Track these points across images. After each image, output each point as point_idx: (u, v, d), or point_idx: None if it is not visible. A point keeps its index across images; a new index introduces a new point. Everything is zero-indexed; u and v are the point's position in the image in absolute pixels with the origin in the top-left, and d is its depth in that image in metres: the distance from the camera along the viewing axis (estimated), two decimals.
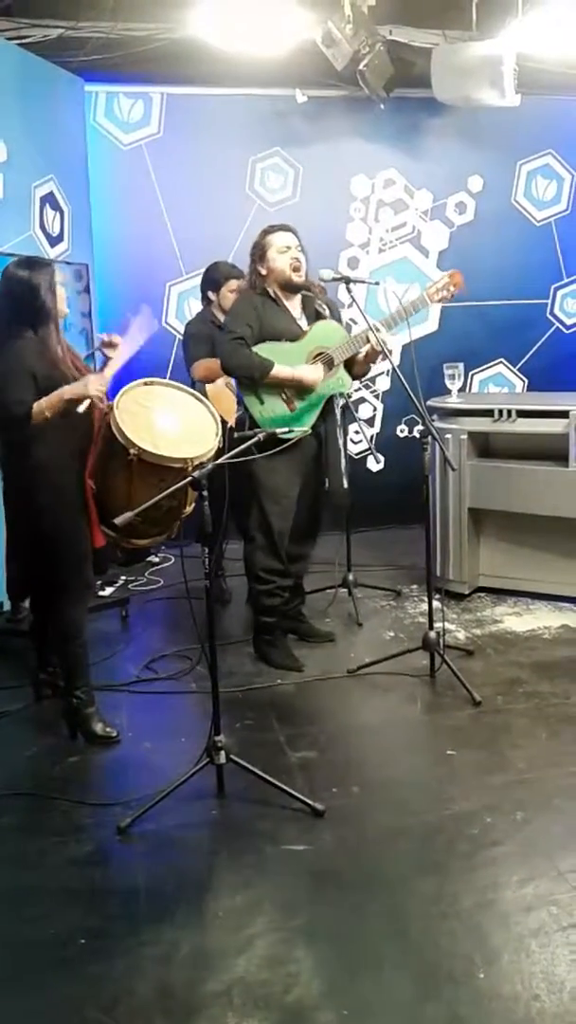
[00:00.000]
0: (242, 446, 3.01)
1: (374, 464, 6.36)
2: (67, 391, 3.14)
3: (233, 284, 4.56)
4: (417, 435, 6.29)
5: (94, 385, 3.16)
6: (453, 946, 2.26)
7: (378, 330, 3.78)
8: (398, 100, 5.64)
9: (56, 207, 5.23)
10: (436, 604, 3.94)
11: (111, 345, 3.49)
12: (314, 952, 2.25)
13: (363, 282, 4.11)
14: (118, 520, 2.76)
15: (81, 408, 3.14)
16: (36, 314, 3.21)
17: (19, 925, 2.41)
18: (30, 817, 2.92)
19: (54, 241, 5.20)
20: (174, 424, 3.34)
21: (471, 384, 6.38)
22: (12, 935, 2.38)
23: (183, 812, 2.86)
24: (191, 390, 3.60)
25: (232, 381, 4.21)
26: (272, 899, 2.46)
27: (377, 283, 4.13)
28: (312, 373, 3.82)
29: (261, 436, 3.11)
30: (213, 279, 4.72)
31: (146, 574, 5.48)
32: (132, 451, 3.14)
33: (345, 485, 3.91)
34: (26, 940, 2.35)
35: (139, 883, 2.55)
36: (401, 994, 2.13)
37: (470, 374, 6.33)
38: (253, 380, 3.79)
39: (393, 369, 3.71)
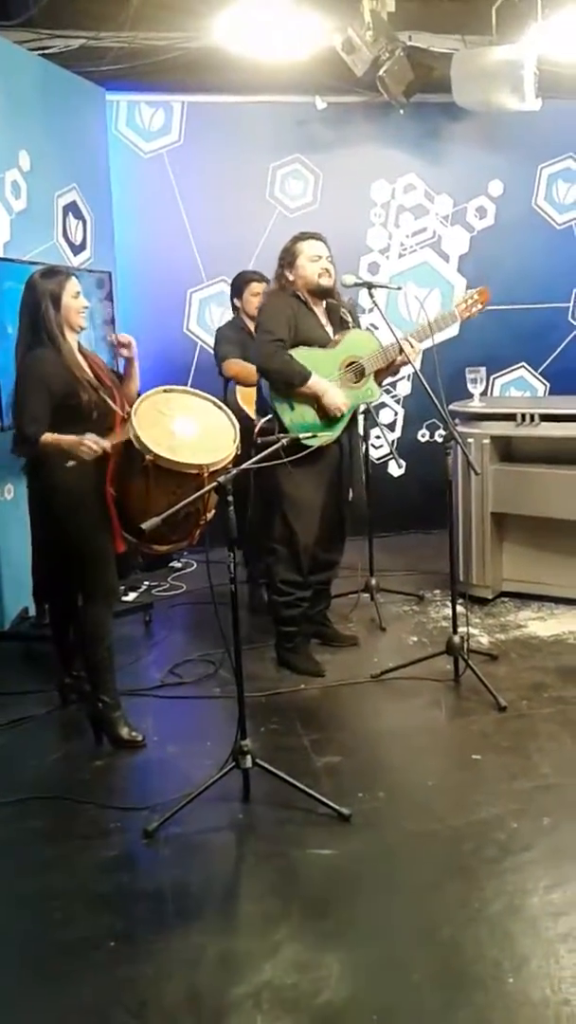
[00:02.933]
0: (267, 451, 3.02)
1: (395, 469, 6.35)
2: (64, 442, 3.17)
3: (255, 287, 4.59)
4: (438, 439, 6.34)
5: (87, 446, 3.14)
6: (481, 951, 2.26)
7: (411, 344, 3.78)
8: (418, 105, 5.65)
9: (79, 216, 5.27)
10: (460, 609, 3.93)
11: (124, 345, 3.49)
12: (342, 956, 2.25)
13: (385, 287, 4.11)
14: (145, 525, 2.77)
15: (68, 464, 3.16)
16: (43, 324, 3.25)
17: (47, 928, 2.43)
18: (56, 821, 2.94)
19: (77, 250, 5.25)
20: (192, 430, 3.36)
21: (492, 388, 6.37)
22: (40, 937, 2.40)
23: (209, 816, 2.87)
24: (210, 396, 3.62)
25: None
26: (299, 903, 2.46)
27: (399, 288, 4.14)
28: (336, 401, 3.81)
29: (285, 440, 3.12)
30: (236, 286, 4.77)
31: (168, 579, 5.50)
32: (148, 457, 3.16)
33: (363, 494, 3.92)
34: (54, 942, 2.36)
35: (166, 887, 2.56)
36: (430, 999, 2.12)
37: (491, 378, 6.32)
38: (290, 386, 3.79)
39: (416, 374, 3.71)
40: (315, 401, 3.81)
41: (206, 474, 3.17)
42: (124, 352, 3.48)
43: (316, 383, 3.77)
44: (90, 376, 3.35)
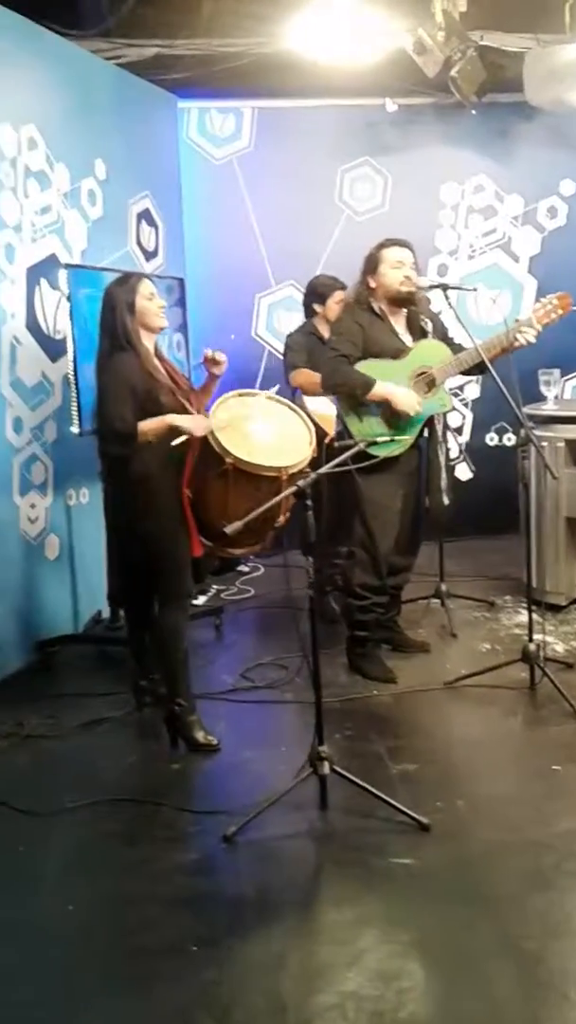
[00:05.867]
0: (344, 455, 3.01)
1: (464, 473, 6.29)
2: (175, 419, 3.22)
3: (339, 295, 4.55)
4: (507, 444, 6.26)
5: (201, 426, 3.21)
6: (565, 965, 2.22)
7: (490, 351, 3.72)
8: (488, 105, 5.59)
9: (151, 223, 5.33)
10: (535, 616, 3.87)
11: (215, 362, 3.47)
12: (425, 968, 2.23)
13: (461, 288, 4.05)
14: (229, 529, 2.78)
15: (176, 441, 3.19)
16: (118, 329, 3.29)
17: (127, 931, 2.45)
18: (134, 824, 2.96)
19: (150, 256, 5.30)
20: (268, 433, 3.38)
21: (563, 390, 6.26)
22: (121, 941, 2.41)
23: (287, 822, 2.87)
24: (285, 400, 3.63)
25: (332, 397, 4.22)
26: (381, 913, 2.45)
27: (475, 289, 4.09)
28: (409, 400, 3.77)
29: (362, 444, 3.11)
30: (319, 292, 4.71)
31: (237, 583, 5.52)
32: (228, 460, 3.18)
33: (446, 502, 3.88)
34: (135, 946, 2.38)
35: (246, 893, 2.57)
36: (515, 1014, 2.09)
37: (563, 380, 6.20)
38: (354, 397, 3.78)
39: (493, 377, 3.66)
40: (386, 409, 3.78)
41: (285, 477, 3.18)
42: (215, 369, 3.48)
43: (381, 388, 3.74)
44: (168, 380, 3.38)
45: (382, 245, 3.88)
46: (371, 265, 3.86)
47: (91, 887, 2.65)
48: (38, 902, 2.59)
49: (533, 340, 3.77)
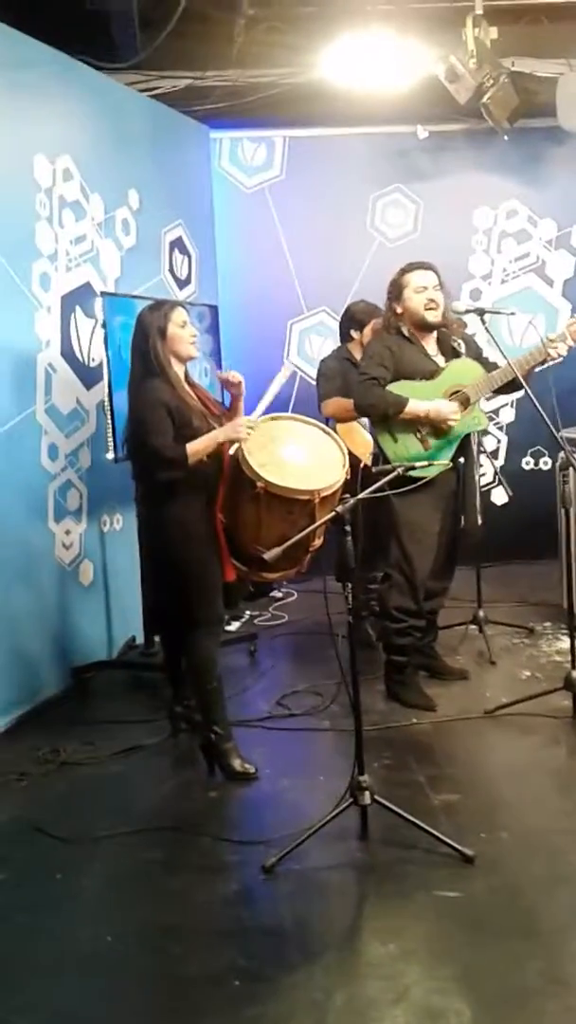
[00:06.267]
0: (383, 480, 2.98)
1: (500, 497, 6.23)
2: (221, 435, 3.23)
3: (378, 323, 4.54)
4: (544, 467, 6.20)
5: (243, 428, 3.23)
6: None
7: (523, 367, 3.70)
8: (520, 130, 5.58)
9: (184, 251, 5.37)
10: None
11: (234, 384, 3.44)
12: (473, 1004, 2.16)
13: (498, 312, 4.04)
14: (268, 556, 2.76)
15: (232, 449, 3.22)
16: (149, 355, 3.29)
17: (168, 963, 2.40)
18: (173, 852, 2.92)
19: (182, 284, 5.34)
20: (301, 456, 3.36)
21: None
22: (162, 973, 2.37)
23: (327, 853, 2.81)
24: (317, 422, 3.61)
25: (366, 421, 4.20)
26: (426, 947, 2.38)
27: (513, 313, 4.05)
28: (448, 406, 3.77)
29: (400, 469, 3.08)
30: (357, 319, 4.67)
31: (270, 609, 5.49)
32: (259, 484, 3.16)
33: (480, 522, 3.85)
34: (176, 978, 2.34)
35: (288, 925, 2.51)
36: None
37: None
38: (387, 417, 3.77)
39: (530, 398, 3.63)
40: (423, 425, 3.76)
41: (317, 500, 3.16)
42: (233, 390, 3.49)
43: (415, 405, 3.73)
44: (199, 405, 3.38)
45: (404, 270, 3.87)
46: (396, 291, 3.87)
47: (130, 917, 2.62)
48: (75, 932, 2.55)
49: (564, 353, 3.76)
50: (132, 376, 3.40)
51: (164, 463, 3.21)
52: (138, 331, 3.37)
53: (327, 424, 4.56)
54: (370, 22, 4.76)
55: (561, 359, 3.76)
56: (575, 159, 6.06)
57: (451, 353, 3.90)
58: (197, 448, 3.21)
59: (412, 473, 3.28)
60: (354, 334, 4.70)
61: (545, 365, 3.79)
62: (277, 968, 2.33)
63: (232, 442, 3.26)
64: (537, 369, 3.85)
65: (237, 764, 3.37)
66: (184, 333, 3.37)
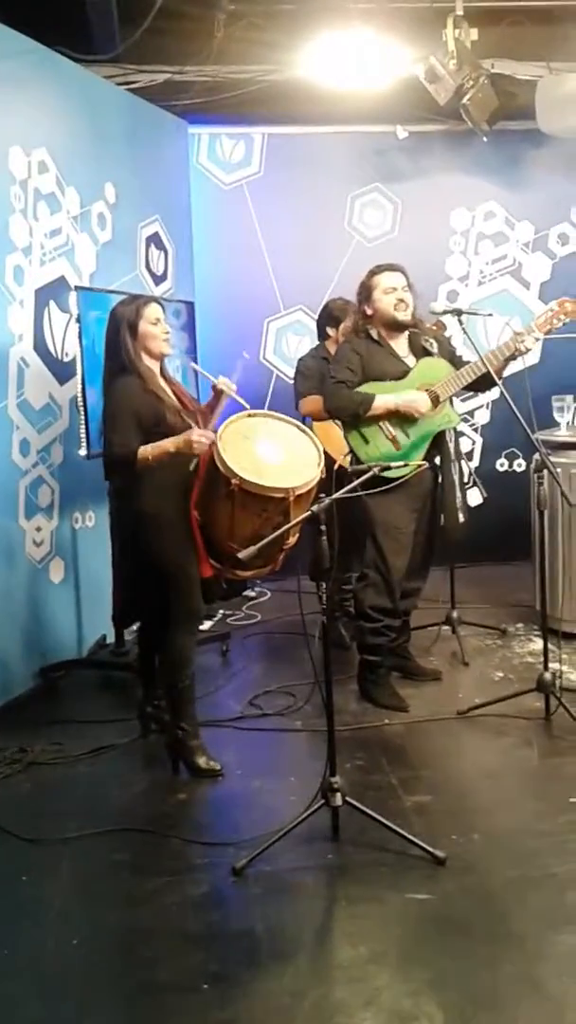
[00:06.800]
0: (359, 480, 2.96)
1: (475, 498, 6.22)
2: (171, 444, 3.18)
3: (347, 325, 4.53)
4: (518, 469, 6.21)
5: (196, 441, 3.16)
6: None
7: (492, 362, 3.70)
8: (499, 133, 5.58)
9: (161, 246, 5.32)
10: (549, 644, 3.80)
11: (221, 392, 3.46)
12: (444, 1008, 2.15)
13: (475, 313, 4.03)
14: (242, 555, 2.73)
15: (192, 467, 3.17)
16: (122, 350, 3.25)
17: (137, 967, 2.37)
18: (142, 855, 2.88)
19: (159, 280, 5.29)
20: (277, 454, 3.33)
21: (575, 417, 6.21)
22: (130, 977, 2.34)
23: (298, 855, 2.78)
24: (294, 420, 3.59)
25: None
26: (397, 950, 2.36)
27: (490, 315, 4.06)
28: (416, 395, 3.76)
29: (376, 469, 3.06)
30: (334, 315, 4.66)
31: (243, 608, 5.45)
32: (234, 481, 3.14)
33: (461, 519, 3.85)
34: (145, 983, 2.30)
35: (258, 927, 2.48)
36: None
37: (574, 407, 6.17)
38: (357, 416, 3.75)
39: (505, 398, 3.63)
40: (393, 425, 3.75)
41: (292, 497, 3.13)
42: (221, 397, 3.47)
43: (383, 399, 3.73)
44: (174, 401, 3.34)
45: (373, 272, 3.87)
46: (365, 293, 3.86)
47: (97, 920, 2.57)
48: (41, 934, 2.50)
49: (532, 346, 3.76)
50: (104, 371, 3.37)
51: (113, 461, 3.20)
52: (110, 325, 3.34)
53: (304, 422, 4.56)
54: (350, 21, 4.73)
55: (528, 351, 3.75)
56: (553, 162, 6.08)
57: (422, 353, 3.89)
58: (148, 452, 3.17)
59: (387, 474, 3.27)
60: (330, 331, 4.68)
61: (515, 359, 3.78)
62: (247, 972, 2.31)
63: (183, 454, 3.19)
64: (508, 367, 3.84)
65: (203, 761, 3.34)
66: (156, 330, 3.32)
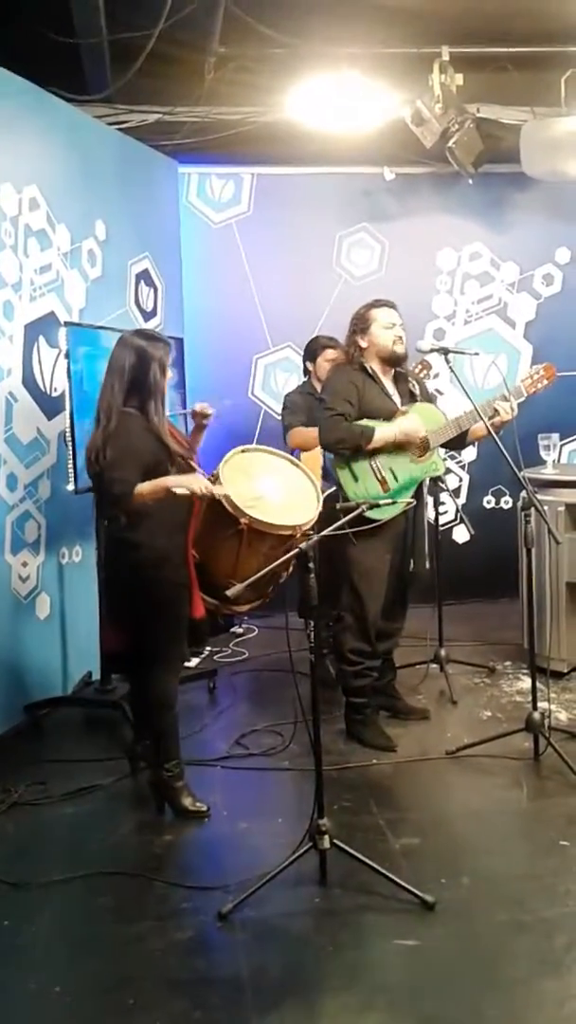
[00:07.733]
0: (347, 517, 2.95)
1: (460, 536, 6.24)
2: (171, 482, 3.14)
3: (330, 354, 4.59)
4: (505, 507, 6.23)
5: (199, 484, 3.15)
6: None
7: (490, 416, 3.72)
8: (485, 175, 5.67)
9: (150, 283, 5.35)
10: (537, 683, 3.78)
11: (205, 416, 3.54)
12: None
13: (462, 352, 4.06)
14: (230, 592, 2.73)
15: (179, 490, 3.13)
16: (145, 388, 3.23)
17: (120, 1014, 2.32)
18: (127, 899, 2.83)
19: (148, 316, 5.32)
20: (278, 490, 3.36)
21: (560, 455, 6.25)
22: None
23: (285, 899, 2.74)
24: (286, 454, 3.61)
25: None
26: (384, 997, 2.33)
27: (476, 353, 4.09)
28: (414, 420, 3.78)
29: (365, 507, 3.06)
30: (311, 350, 4.78)
31: (231, 645, 5.42)
32: (243, 520, 3.13)
33: (427, 566, 3.88)
34: None
35: (243, 974, 2.44)
36: None
37: (560, 444, 6.20)
38: (358, 449, 3.74)
39: (495, 442, 3.64)
40: (380, 471, 3.76)
41: (298, 535, 3.14)
42: (204, 421, 3.51)
43: (384, 431, 3.73)
44: (175, 446, 3.31)
45: (371, 305, 3.88)
46: (363, 325, 3.86)
47: (80, 967, 2.53)
48: (24, 981, 2.45)
49: (513, 410, 3.79)
50: (111, 400, 3.23)
51: (108, 495, 3.18)
52: (139, 363, 3.23)
53: (293, 454, 4.59)
54: (339, 65, 4.81)
55: (512, 417, 3.77)
56: (538, 205, 6.18)
57: (408, 394, 3.92)
58: (145, 490, 3.13)
59: (371, 513, 3.27)
60: (308, 366, 4.77)
61: (499, 428, 3.78)
62: (232, 1019, 2.26)
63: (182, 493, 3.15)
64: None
65: (188, 803, 3.31)
66: (169, 374, 3.35)
